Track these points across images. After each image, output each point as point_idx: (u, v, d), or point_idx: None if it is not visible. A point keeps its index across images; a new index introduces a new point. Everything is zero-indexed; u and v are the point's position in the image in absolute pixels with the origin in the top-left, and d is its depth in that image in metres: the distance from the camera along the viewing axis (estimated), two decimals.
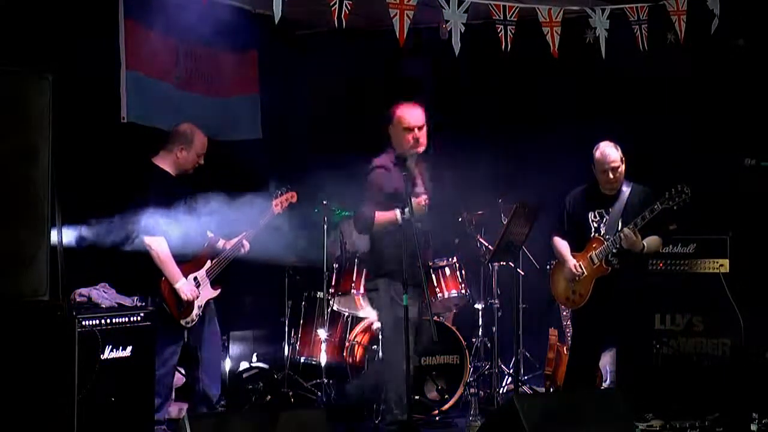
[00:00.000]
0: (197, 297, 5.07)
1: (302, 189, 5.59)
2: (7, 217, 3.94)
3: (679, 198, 5.11)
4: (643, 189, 5.44)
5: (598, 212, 5.47)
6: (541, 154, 6.76)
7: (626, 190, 5.43)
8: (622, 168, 5.41)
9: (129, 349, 4.50)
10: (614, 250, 5.32)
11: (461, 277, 6.39)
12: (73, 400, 4.17)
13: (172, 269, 4.97)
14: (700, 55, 6.19)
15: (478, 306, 6.61)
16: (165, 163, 5.14)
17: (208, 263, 5.22)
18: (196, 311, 5.08)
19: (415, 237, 4.68)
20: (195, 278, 5.10)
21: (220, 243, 5.34)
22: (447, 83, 6.63)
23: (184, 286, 5.00)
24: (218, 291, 5.25)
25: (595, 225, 5.45)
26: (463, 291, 6.39)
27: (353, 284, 6.26)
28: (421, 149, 5.07)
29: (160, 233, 4.94)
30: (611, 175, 5.37)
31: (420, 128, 5.04)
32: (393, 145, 5.12)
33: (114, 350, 4.43)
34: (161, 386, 4.98)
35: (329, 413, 4.23)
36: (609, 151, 5.38)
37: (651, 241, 5.31)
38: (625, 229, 5.20)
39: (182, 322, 5.02)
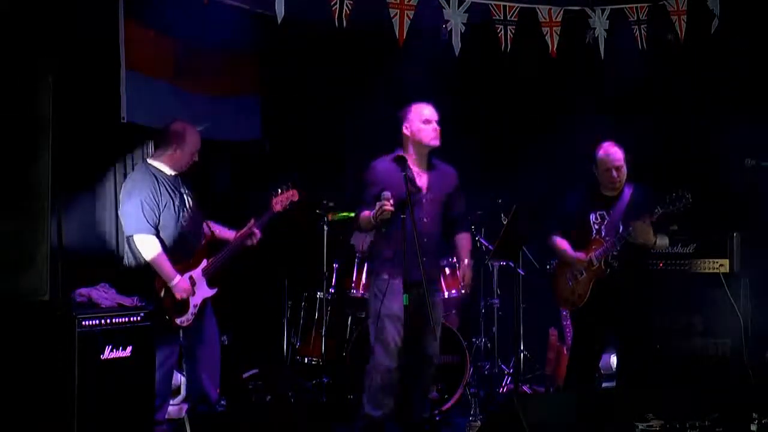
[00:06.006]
0: (192, 295, 5.06)
1: (302, 189, 5.59)
2: (7, 217, 3.95)
3: (679, 203, 5.09)
4: (646, 190, 5.42)
5: (599, 213, 5.45)
6: (541, 154, 6.76)
7: (628, 191, 5.42)
8: (625, 169, 5.40)
9: (129, 349, 4.50)
10: (614, 252, 5.32)
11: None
12: (73, 400, 4.16)
13: (165, 268, 4.96)
14: (700, 55, 6.19)
15: (479, 306, 6.61)
16: (160, 162, 5.13)
17: (204, 262, 5.21)
18: (191, 310, 5.07)
19: (416, 235, 4.70)
20: (190, 277, 5.10)
21: (222, 233, 5.34)
22: (446, 83, 6.63)
23: (178, 285, 4.99)
24: (215, 290, 5.24)
25: (596, 226, 5.44)
26: (463, 291, 6.38)
27: (353, 284, 6.26)
28: (437, 142, 5.11)
29: (153, 232, 4.94)
30: (614, 174, 5.36)
31: (437, 122, 5.11)
32: (404, 145, 5.17)
33: (114, 350, 4.43)
34: (160, 386, 4.98)
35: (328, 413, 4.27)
36: (613, 151, 5.38)
37: (661, 239, 5.32)
38: (636, 223, 5.18)
39: (177, 321, 5.01)
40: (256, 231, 5.31)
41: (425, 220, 5.01)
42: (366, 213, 5.04)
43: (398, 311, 4.93)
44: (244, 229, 5.30)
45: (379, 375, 5.01)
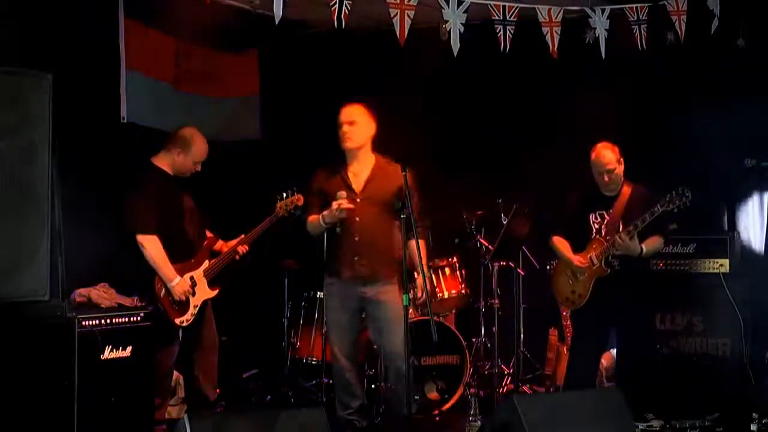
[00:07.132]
0: (192, 296, 5.06)
1: (302, 189, 5.59)
2: (7, 217, 3.95)
3: (680, 201, 5.10)
4: (644, 190, 5.43)
5: (598, 213, 5.45)
6: (541, 154, 6.76)
7: (627, 190, 5.42)
8: (619, 169, 5.40)
9: (129, 349, 4.50)
10: (615, 252, 5.31)
11: (461, 277, 6.39)
12: (73, 400, 4.16)
13: (165, 268, 4.95)
14: (700, 55, 6.19)
15: (479, 306, 6.61)
16: (163, 163, 5.13)
17: (206, 263, 5.21)
18: (191, 311, 5.06)
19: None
20: (191, 278, 5.09)
21: (219, 244, 5.34)
22: (446, 83, 6.63)
23: (178, 286, 4.98)
24: (216, 291, 5.24)
25: (597, 226, 5.44)
26: (463, 291, 6.38)
27: None
28: (348, 144, 5.13)
29: (154, 232, 4.93)
30: (607, 177, 5.37)
31: (350, 123, 5.13)
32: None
33: (114, 350, 4.43)
34: (159, 386, 4.97)
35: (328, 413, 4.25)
36: (604, 153, 5.38)
37: (651, 243, 5.30)
38: (618, 236, 5.20)
39: (177, 321, 5.01)
40: (241, 248, 5.31)
41: (357, 219, 5.01)
42: (313, 216, 5.11)
43: (336, 316, 5.13)
44: (233, 243, 5.31)
45: (335, 376, 5.21)
